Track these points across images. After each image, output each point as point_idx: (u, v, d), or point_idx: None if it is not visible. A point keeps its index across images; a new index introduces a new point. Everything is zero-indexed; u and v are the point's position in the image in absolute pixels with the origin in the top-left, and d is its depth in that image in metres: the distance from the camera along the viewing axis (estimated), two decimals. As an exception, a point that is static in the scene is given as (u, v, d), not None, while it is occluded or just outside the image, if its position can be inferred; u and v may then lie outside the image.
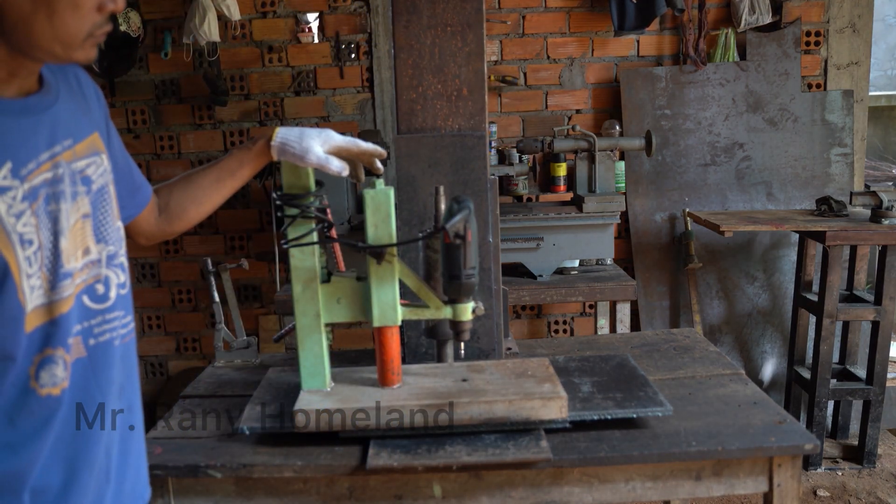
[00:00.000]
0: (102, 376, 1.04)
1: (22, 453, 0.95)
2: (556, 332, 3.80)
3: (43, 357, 0.95)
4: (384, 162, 1.43)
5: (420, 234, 1.41)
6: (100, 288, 1.04)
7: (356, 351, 1.96)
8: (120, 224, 1.12)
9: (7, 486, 0.94)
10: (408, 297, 1.45)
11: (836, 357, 3.29)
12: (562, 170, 3.29)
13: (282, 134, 1.32)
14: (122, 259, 1.11)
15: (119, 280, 1.09)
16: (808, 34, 3.52)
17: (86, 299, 1.02)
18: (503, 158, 3.25)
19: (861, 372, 3.14)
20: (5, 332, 0.92)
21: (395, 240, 1.39)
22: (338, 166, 1.32)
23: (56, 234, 0.97)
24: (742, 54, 3.52)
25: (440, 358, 1.62)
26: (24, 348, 0.94)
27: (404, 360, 1.62)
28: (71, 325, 0.98)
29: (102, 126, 1.12)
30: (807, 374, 3.15)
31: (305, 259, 1.41)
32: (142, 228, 1.30)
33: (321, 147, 1.31)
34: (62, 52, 0.93)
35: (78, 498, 1.00)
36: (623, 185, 3.33)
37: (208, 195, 1.34)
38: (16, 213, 0.91)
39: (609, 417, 1.41)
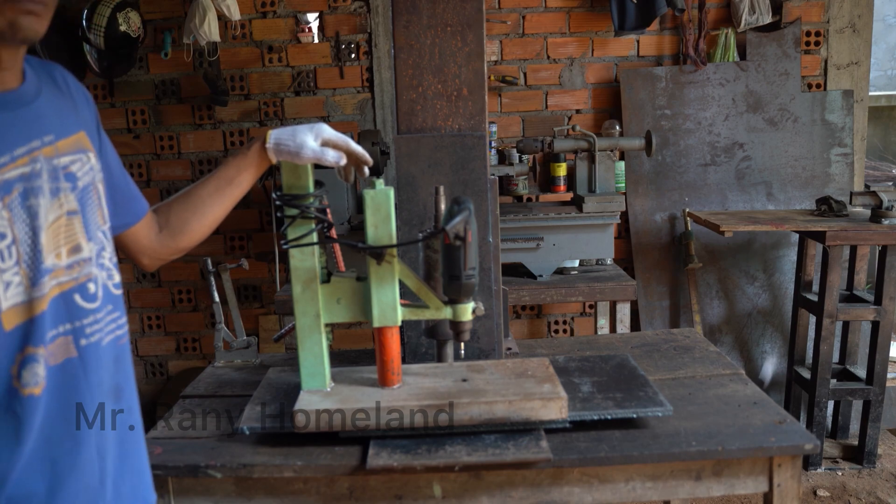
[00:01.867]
0: (94, 377, 1.02)
1: (1, 455, 0.93)
2: (556, 332, 3.80)
3: (24, 356, 0.94)
4: (376, 169, 1.44)
5: (420, 235, 1.41)
6: (91, 287, 1.03)
7: (356, 351, 1.96)
8: (109, 224, 1.11)
9: None
10: (408, 297, 1.45)
11: (836, 357, 3.28)
12: (562, 170, 3.29)
13: (275, 135, 1.32)
14: (116, 259, 1.10)
15: (114, 280, 1.08)
16: (808, 34, 3.52)
17: (77, 298, 1.01)
18: (503, 158, 3.25)
19: (861, 372, 3.14)
20: None
21: (395, 240, 1.39)
22: (334, 156, 1.32)
23: (35, 230, 0.95)
24: (742, 54, 3.52)
25: (440, 358, 1.62)
26: (4, 347, 0.92)
27: (404, 360, 1.62)
28: (51, 323, 0.97)
29: (93, 129, 1.11)
30: (807, 374, 3.15)
31: (305, 259, 1.41)
32: (142, 246, 1.28)
33: (315, 141, 1.31)
34: None
35: (66, 503, 0.98)
36: (623, 185, 3.33)
37: (209, 206, 1.32)
38: None
39: (609, 417, 1.41)
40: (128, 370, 1.11)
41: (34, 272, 0.95)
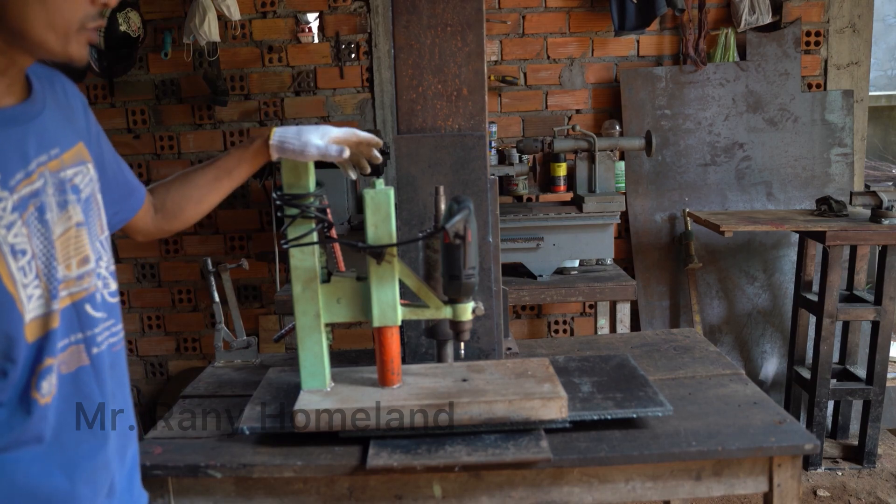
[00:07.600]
0: (105, 384, 1.04)
1: (20, 461, 0.94)
2: (556, 332, 3.80)
3: (43, 367, 0.95)
4: (384, 158, 1.45)
5: (420, 234, 1.41)
6: (98, 297, 1.05)
7: (356, 351, 1.96)
8: (108, 233, 1.12)
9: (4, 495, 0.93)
10: (408, 297, 1.45)
11: (836, 357, 3.29)
12: (562, 170, 3.29)
13: (279, 132, 1.33)
14: (113, 267, 1.11)
15: (110, 289, 1.09)
16: (808, 34, 3.52)
17: (88, 308, 1.02)
18: (503, 158, 3.25)
19: (861, 372, 3.14)
20: (5, 344, 0.91)
21: (395, 240, 1.39)
22: (336, 150, 1.33)
23: (49, 243, 0.96)
24: (742, 54, 3.52)
25: (440, 358, 1.62)
26: (26, 358, 0.93)
27: (404, 360, 1.62)
28: (64, 332, 0.98)
29: (88, 137, 1.12)
30: (807, 374, 3.15)
31: (305, 259, 1.41)
32: (138, 227, 1.31)
33: (320, 140, 1.32)
34: (56, 42, 0.93)
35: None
36: (623, 185, 3.33)
37: (205, 194, 1.34)
38: (6, 224, 0.91)
39: (609, 417, 1.41)
40: (121, 376, 1.12)
41: (51, 284, 0.96)
